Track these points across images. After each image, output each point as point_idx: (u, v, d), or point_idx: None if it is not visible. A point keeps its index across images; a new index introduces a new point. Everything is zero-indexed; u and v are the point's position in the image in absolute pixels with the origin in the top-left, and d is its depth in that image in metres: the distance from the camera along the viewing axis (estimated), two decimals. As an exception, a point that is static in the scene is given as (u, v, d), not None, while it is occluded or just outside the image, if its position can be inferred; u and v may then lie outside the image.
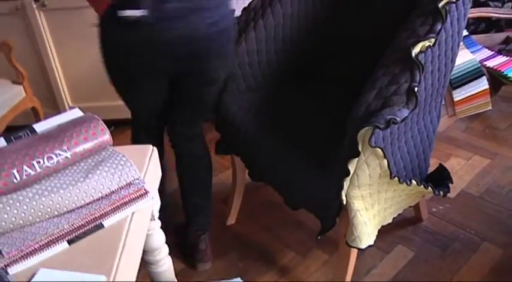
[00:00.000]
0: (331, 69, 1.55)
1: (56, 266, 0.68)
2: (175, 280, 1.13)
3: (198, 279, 1.52)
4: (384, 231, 1.42)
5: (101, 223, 0.74)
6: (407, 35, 1.10)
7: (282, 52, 1.48)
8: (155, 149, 0.93)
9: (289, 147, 1.28)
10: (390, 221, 1.35)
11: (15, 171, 0.72)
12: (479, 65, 1.88)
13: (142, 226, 0.80)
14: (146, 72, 1.25)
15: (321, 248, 1.59)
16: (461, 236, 1.62)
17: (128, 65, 1.24)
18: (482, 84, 1.87)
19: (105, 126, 0.84)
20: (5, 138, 0.86)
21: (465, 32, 2.06)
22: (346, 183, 1.09)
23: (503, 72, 1.87)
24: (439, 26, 1.08)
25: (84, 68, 2.26)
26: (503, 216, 1.69)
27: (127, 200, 0.76)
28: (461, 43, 1.95)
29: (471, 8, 2.41)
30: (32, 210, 0.70)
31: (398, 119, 1.00)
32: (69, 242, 0.71)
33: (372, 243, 1.19)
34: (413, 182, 1.18)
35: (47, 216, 0.71)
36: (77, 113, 0.93)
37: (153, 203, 0.84)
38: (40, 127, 0.90)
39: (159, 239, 1.00)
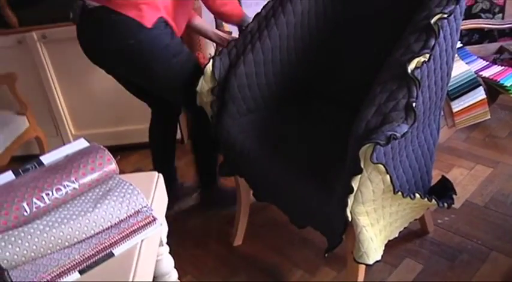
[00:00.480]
0: (330, 88, 1.57)
1: (68, 296, 0.69)
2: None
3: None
4: (390, 246, 1.42)
5: (111, 252, 0.75)
6: (403, 51, 1.12)
7: (280, 74, 1.50)
8: (161, 175, 0.95)
9: (291, 168, 1.30)
10: (396, 235, 1.35)
11: (25, 204, 0.74)
12: (475, 75, 1.90)
13: (151, 253, 0.81)
14: None
15: (329, 265, 1.59)
16: (469, 246, 1.61)
17: None
18: (480, 94, 1.89)
19: (111, 155, 0.86)
20: (13, 172, 0.88)
21: (459, 44, 2.09)
22: (350, 200, 1.10)
23: (499, 81, 1.89)
24: (432, 42, 1.10)
25: (85, 96, 2.30)
26: (510, 225, 1.69)
27: (136, 227, 0.77)
28: (456, 55, 1.99)
29: (464, 20, 2.45)
30: (43, 242, 0.71)
31: (398, 135, 1.01)
32: (81, 272, 0.72)
33: (379, 258, 1.20)
34: (417, 195, 1.19)
35: (57, 247, 0.72)
36: (82, 143, 0.95)
37: (161, 229, 0.85)
38: (47, 159, 0.91)
39: (168, 264, 1.00)
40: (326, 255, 1.26)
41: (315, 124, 1.47)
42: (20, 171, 0.88)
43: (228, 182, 2.04)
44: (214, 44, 2.04)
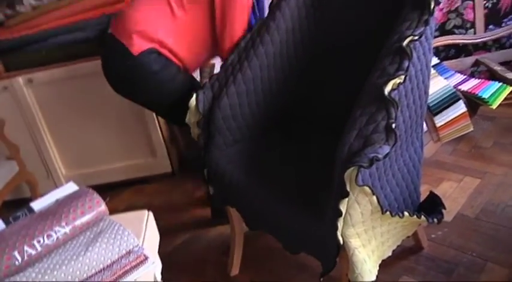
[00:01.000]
0: (314, 114, 1.61)
1: None
2: None
3: None
4: (386, 264, 1.43)
5: (104, 294, 0.75)
6: (379, 74, 1.16)
7: (264, 103, 1.54)
8: (151, 213, 0.96)
9: (280, 195, 1.31)
10: (390, 254, 1.36)
11: (16, 253, 0.75)
12: (454, 90, 1.95)
13: (145, 292, 0.81)
14: None
15: (326, 289, 1.59)
16: (464, 259, 1.62)
17: None
18: (460, 107, 1.94)
19: (100, 198, 0.87)
20: (3, 220, 0.89)
21: (436, 60, 2.15)
22: (340, 224, 1.12)
23: (477, 94, 1.94)
24: (406, 63, 1.14)
25: (74, 136, 2.32)
26: (502, 235, 1.71)
27: (128, 268, 0.78)
28: (434, 71, 2.05)
29: (439, 36, 2.53)
30: (37, 290, 0.71)
31: (381, 156, 1.04)
32: (75, 317, 0.73)
33: (374, 278, 1.20)
34: (406, 213, 1.21)
35: (51, 294, 0.72)
36: (72, 187, 0.97)
37: (154, 266, 0.85)
38: (38, 205, 0.93)
39: (163, 301, 1.00)
40: (321, 279, 1.26)
41: (300, 150, 1.50)
42: (11, 219, 0.89)
43: (221, 212, 2.05)
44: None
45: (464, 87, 2.02)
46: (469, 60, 2.49)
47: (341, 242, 1.15)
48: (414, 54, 1.22)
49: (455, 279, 1.54)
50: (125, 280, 0.78)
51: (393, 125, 1.07)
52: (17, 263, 0.74)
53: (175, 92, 1.64)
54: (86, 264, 0.75)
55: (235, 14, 1.56)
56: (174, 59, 1.63)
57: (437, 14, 2.52)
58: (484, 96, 1.94)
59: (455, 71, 2.18)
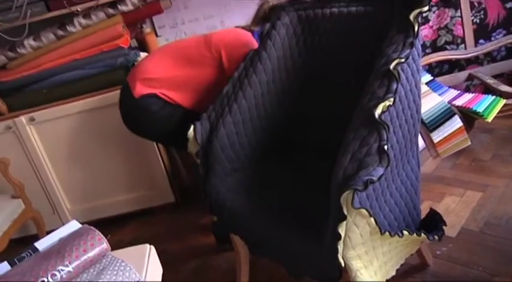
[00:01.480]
0: (310, 138, 1.64)
1: None
2: None
3: None
4: (392, 284, 1.43)
5: (109, 331, 0.77)
6: (369, 98, 1.19)
7: (260, 130, 1.57)
8: (152, 247, 0.98)
9: (280, 222, 1.33)
10: (394, 273, 1.37)
11: (22, 295, 0.77)
12: (449, 105, 1.98)
13: (149, 326, 0.82)
14: None
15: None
16: (471, 274, 1.62)
17: None
18: (456, 122, 1.96)
19: (102, 235, 0.89)
20: (8, 262, 0.91)
21: (430, 77, 2.19)
22: (340, 247, 1.13)
23: (472, 108, 1.97)
24: (394, 86, 1.17)
25: (77, 171, 2.35)
26: (508, 247, 1.70)
27: (131, 303, 0.80)
28: (428, 88, 2.08)
29: (431, 53, 2.58)
30: (42, 331, 0.73)
31: (375, 178, 1.06)
32: None
33: (379, 300, 1.21)
34: (405, 232, 1.22)
35: None
36: (75, 226, 0.98)
37: (157, 300, 0.87)
38: (42, 244, 0.95)
39: None
40: (327, 302, 1.27)
41: (299, 175, 1.52)
42: (16, 260, 0.91)
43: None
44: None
45: (459, 102, 2.05)
46: (463, 74, 2.53)
47: (342, 264, 1.16)
48: (403, 76, 1.25)
49: (463, 296, 1.53)
50: (128, 315, 0.79)
51: (385, 147, 1.10)
52: (22, 304, 0.76)
53: (175, 127, 1.75)
54: (89, 301, 0.76)
55: (242, 53, 1.65)
56: (174, 103, 1.77)
57: (428, 31, 2.58)
58: (478, 110, 1.96)
59: (449, 87, 2.22)
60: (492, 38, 2.55)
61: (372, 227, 1.13)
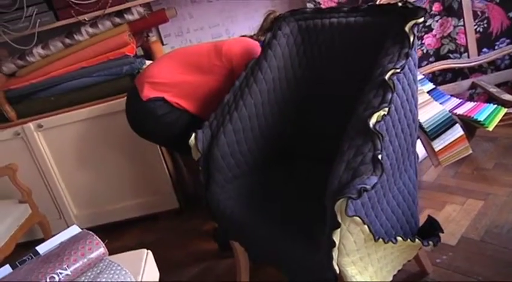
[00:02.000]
0: (309, 146, 1.66)
1: None
2: None
3: None
4: (391, 291, 1.44)
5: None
6: (364, 107, 1.22)
7: (261, 138, 1.60)
8: (149, 252, 1.01)
9: (279, 229, 1.35)
10: (391, 278, 1.38)
11: (21, 297, 0.80)
12: (450, 114, 1.99)
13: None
14: None
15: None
16: (470, 283, 1.62)
17: None
18: (457, 131, 1.97)
19: (100, 240, 0.92)
20: (10, 265, 0.94)
21: (431, 86, 2.20)
22: (335, 253, 1.15)
23: (473, 117, 1.97)
24: (389, 96, 1.19)
25: (84, 176, 2.39)
26: (508, 256, 1.70)
27: (126, 306, 0.82)
28: (429, 97, 2.09)
29: (434, 62, 2.59)
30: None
31: (369, 187, 1.08)
32: None
33: (374, 306, 1.22)
34: (399, 238, 1.24)
35: None
36: (75, 230, 1.02)
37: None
38: (43, 248, 0.98)
39: None
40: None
41: (298, 182, 1.54)
42: (17, 263, 0.94)
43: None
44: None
45: (460, 110, 2.06)
46: (466, 83, 2.53)
47: (337, 271, 1.18)
48: (399, 86, 1.27)
49: (461, 304, 1.54)
50: (123, 318, 0.82)
51: (379, 156, 1.12)
52: (21, 305, 0.79)
53: (180, 131, 1.78)
54: (86, 304, 0.79)
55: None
56: (181, 108, 1.80)
57: (432, 40, 2.59)
58: (479, 118, 1.97)
59: (451, 95, 2.22)
60: (496, 47, 2.56)
61: (366, 234, 1.15)
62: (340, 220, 1.09)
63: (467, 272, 1.67)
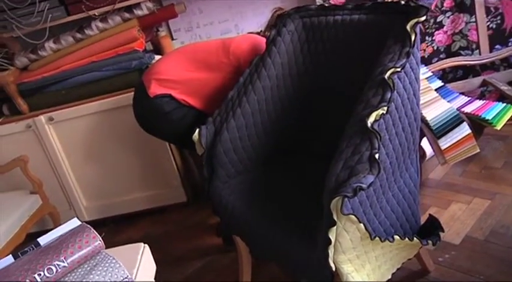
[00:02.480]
0: (312, 143, 1.66)
1: None
2: None
3: None
4: (391, 288, 1.44)
5: (97, 323, 0.82)
6: (363, 106, 1.22)
7: (263, 134, 1.61)
8: (146, 246, 1.03)
9: (278, 225, 1.37)
10: (389, 276, 1.38)
11: (19, 287, 0.83)
12: (458, 112, 1.97)
13: (137, 320, 0.87)
14: None
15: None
16: (472, 283, 1.62)
17: None
18: (464, 129, 1.95)
19: (97, 233, 0.95)
20: (13, 256, 0.98)
21: (440, 83, 2.18)
22: (330, 251, 1.16)
23: (480, 115, 1.95)
24: (389, 95, 1.19)
25: (94, 168, 2.44)
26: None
27: (119, 298, 0.85)
28: (437, 94, 2.08)
29: (445, 58, 2.56)
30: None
31: (365, 186, 1.09)
32: None
33: (371, 303, 1.23)
34: (396, 237, 1.24)
35: (49, 324, 0.80)
36: (75, 223, 1.05)
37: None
38: (44, 240, 1.01)
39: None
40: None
41: (301, 179, 1.55)
42: (19, 254, 0.97)
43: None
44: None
45: (468, 109, 2.04)
46: (477, 80, 2.49)
47: (333, 268, 1.19)
48: (400, 85, 1.27)
49: (461, 303, 1.53)
50: (117, 310, 0.84)
51: (376, 155, 1.12)
52: (19, 295, 0.82)
53: (186, 128, 1.78)
54: (80, 295, 0.82)
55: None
56: (188, 105, 1.82)
57: (442, 37, 2.56)
58: (487, 117, 1.94)
59: (459, 93, 2.20)
60: (509, 44, 2.52)
61: (362, 233, 1.16)
62: (335, 218, 1.10)
63: (469, 271, 1.67)
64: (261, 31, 1.98)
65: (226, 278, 1.91)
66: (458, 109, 2.02)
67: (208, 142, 1.57)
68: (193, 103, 1.81)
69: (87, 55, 2.26)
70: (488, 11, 2.48)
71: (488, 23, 2.48)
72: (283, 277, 1.79)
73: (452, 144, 1.98)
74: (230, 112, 1.56)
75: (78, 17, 2.22)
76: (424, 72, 2.15)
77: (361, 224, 1.13)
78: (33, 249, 0.99)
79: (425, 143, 2.13)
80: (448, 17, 2.51)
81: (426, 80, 2.10)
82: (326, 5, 2.22)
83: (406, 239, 1.28)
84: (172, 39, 2.61)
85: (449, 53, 2.58)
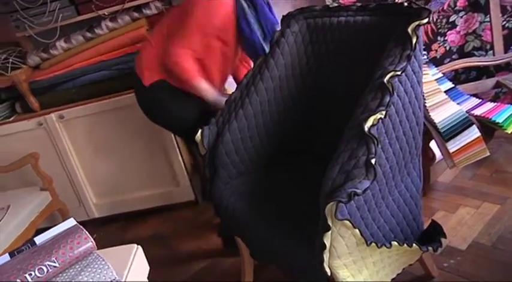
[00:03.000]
0: (315, 145, 1.65)
1: None
2: None
3: None
4: (394, 292, 1.42)
5: (84, 324, 0.83)
6: (361, 110, 1.20)
7: (265, 136, 1.60)
8: (139, 247, 1.04)
9: (278, 227, 1.37)
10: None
11: (10, 286, 0.84)
12: (467, 115, 1.93)
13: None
14: None
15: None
16: (476, 289, 1.59)
17: None
18: (474, 133, 1.91)
19: (88, 234, 0.96)
20: (9, 254, 1.00)
21: (450, 85, 2.13)
22: (326, 256, 1.15)
23: (491, 118, 1.91)
24: (387, 99, 1.17)
25: (103, 166, 2.47)
26: (518, 264, 1.66)
27: (107, 299, 0.86)
28: (446, 96, 2.04)
29: (457, 59, 2.50)
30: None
31: (360, 191, 1.07)
32: None
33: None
34: (394, 243, 1.22)
35: (37, 323, 0.81)
36: (71, 223, 1.06)
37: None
38: (40, 239, 1.03)
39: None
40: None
41: (302, 182, 1.54)
42: (15, 252, 1.00)
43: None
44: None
45: (478, 111, 1.99)
46: (490, 82, 2.43)
47: (328, 273, 1.18)
48: (401, 88, 1.25)
49: (464, 311, 1.51)
50: (104, 311, 0.85)
51: (373, 161, 1.11)
52: (10, 294, 0.84)
53: (185, 120, 1.82)
54: (68, 296, 0.83)
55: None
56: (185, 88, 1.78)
57: (455, 37, 2.51)
58: (498, 120, 1.90)
59: (471, 95, 2.15)
60: (526, 44, 2.45)
61: (358, 238, 1.15)
62: (330, 223, 1.09)
63: (474, 277, 1.64)
64: None
65: (229, 279, 1.91)
66: (467, 111, 1.98)
67: (211, 143, 1.57)
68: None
69: (96, 54, 2.28)
70: (504, 10, 2.41)
71: (504, 22, 2.42)
72: (284, 278, 1.79)
73: (461, 148, 1.94)
74: (233, 113, 1.56)
75: (88, 16, 2.24)
76: (434, 73, 2.11)
77: (356, 230, 1.12)
78: (29, 248, 1.01)
79: (434, 146, 2.10)
80: (461, 17, 2.46)
81: (436, 81, 2.06)
82: (331, 5, 2.19)
83: (405, 245, 1.26)
84: (182, 38, 2.62)
85: (462, 53, 2.52)
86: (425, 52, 2.20)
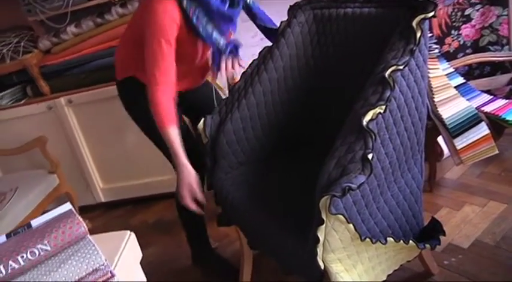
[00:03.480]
0: (317, 137, 1.64)
1: None
2: None
3: None
4: (393, 288, 1.42)
5: (72, 308, 0.85)
6: (361, 104, 1.19)
7: (268, 126, 1.60)
8: (133, 234, 1.05)
9: (275, 218, 1.36)
10: (384, 278, 1.36)
11: (1, 267, 0.86)
12: (476, 111, 1.89)
13: (113, 307, 0.90)
14: None
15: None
16: (476, 288, 1.57)
17: None
18: (482, 130, 1.88)
19: (81, 219, 0.97)
20: (6, 235, 1.02)
21: (461, 80, 2.09)
22: (319, 250, 1.15)
23: (501, 116, 1.86)
24: (388, 93, 1.15)
25: (111, 151, 2.49)
26: (522, 265, 1.63)
27: (94, 284, 0.87)
28: (456, 92, 2.00)
29: (471, 53, 2.45)
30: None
31: (355, 186, 1.06)
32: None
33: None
34: (390, 239, 1.21)
35: (26, 304, 0.83)
36: (67, 207, 1.08)
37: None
38: (36, 222, 1.05)
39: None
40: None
41: (301, 173, 1.53)
42: (12, 234, 1.02)
43: (232, 232, 2.09)
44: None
45: (488, 108, 1.95)
46: (505, 78, 2.38)
47: (322, 267, 1.17)
48: (403, 82, 1.23)
49: (462, 309, 1.49)
50: (92, 295, 0.87)
51: (369, 156, 1.09)
52: (1, 275, 0.85)
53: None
54: (56, 279, 0.85)
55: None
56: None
57: (470, 31, 2.45)
58: (508, 118, 1.85)
59: (482, 91, 2.11)
60: (543, 40, 2.39)
61: (352, 233, 1.14)
62: (324, 217, 1.09)
63: (474, 276, 1.62)
64: None
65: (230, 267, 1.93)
66: (478, 108, 1.94)
67: (213, 132, 1.57)
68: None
69: (106, 40, 2.29)
70: (523, 4, 2.35)
71: (522, 17, 2.36)
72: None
73: (469, 145, 1.91)
74: (235, 103, 1.56)
75: (99, 2, 2.25)
76: (445, 68, 2.07)
77: (350, 225, 1.11)
78: (25, 230, 1.03)
79: (442, 141, 2.07)
80: (478, 10, 2.40)
81: (446, 76, 2.02)
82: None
83: (401, 241, 1.25)
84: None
85: (477, 48, 2.47)
86: (437, 46, 2.14)
